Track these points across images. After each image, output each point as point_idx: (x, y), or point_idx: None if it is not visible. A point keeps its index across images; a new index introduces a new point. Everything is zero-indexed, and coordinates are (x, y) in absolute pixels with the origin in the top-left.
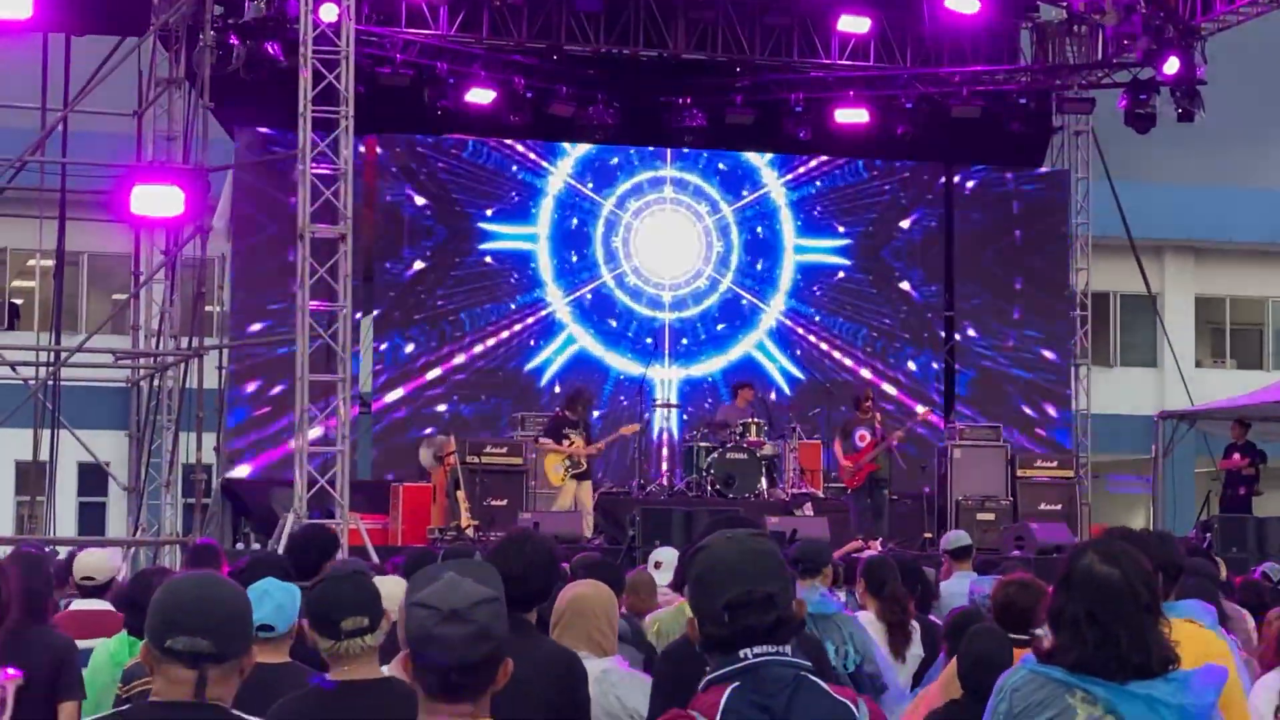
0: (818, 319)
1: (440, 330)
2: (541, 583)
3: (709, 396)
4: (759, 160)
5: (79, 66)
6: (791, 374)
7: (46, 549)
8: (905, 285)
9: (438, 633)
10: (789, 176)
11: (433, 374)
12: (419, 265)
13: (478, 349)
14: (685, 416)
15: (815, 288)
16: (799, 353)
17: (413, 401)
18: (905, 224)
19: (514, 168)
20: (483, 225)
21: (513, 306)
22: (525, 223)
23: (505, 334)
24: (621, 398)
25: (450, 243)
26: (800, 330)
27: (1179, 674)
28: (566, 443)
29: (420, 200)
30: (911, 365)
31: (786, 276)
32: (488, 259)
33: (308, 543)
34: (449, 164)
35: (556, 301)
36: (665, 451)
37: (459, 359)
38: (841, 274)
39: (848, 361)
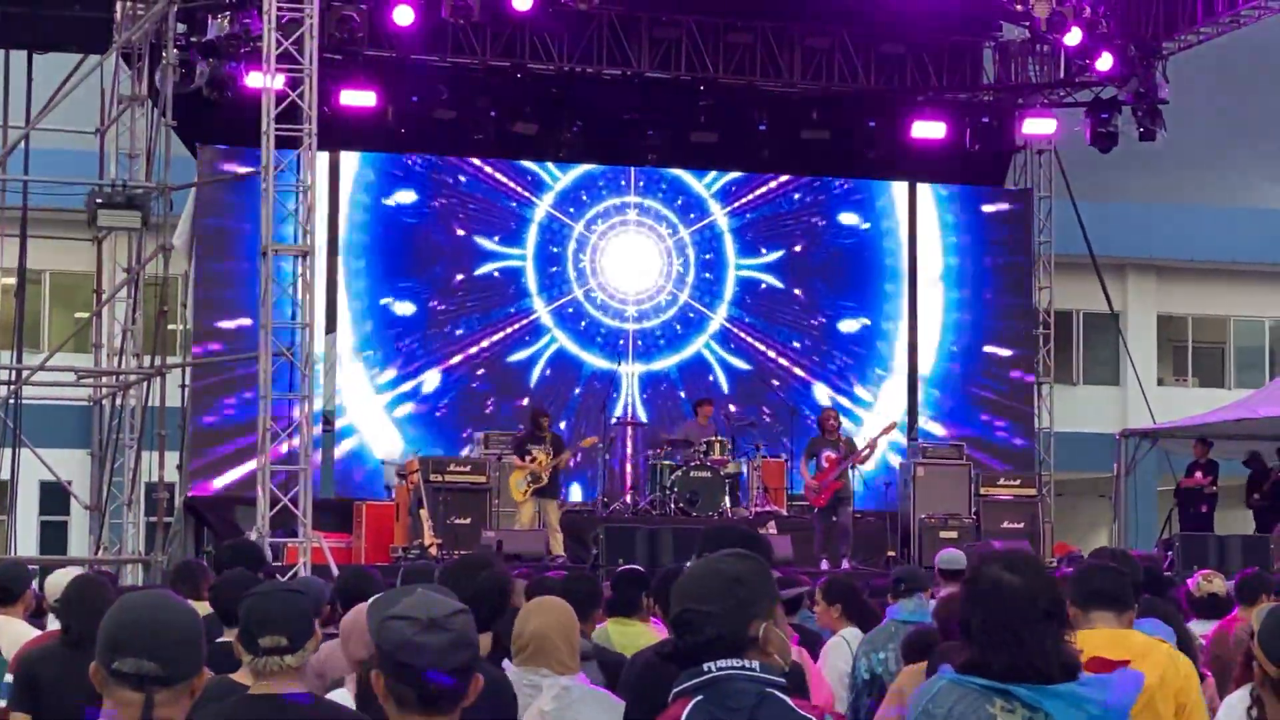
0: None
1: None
2: (489, 611)
3: (667, 398)
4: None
5: (41, 84)
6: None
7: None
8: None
9: (419, 641)
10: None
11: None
12: (383, 281)
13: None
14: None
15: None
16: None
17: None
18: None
19: (481, 188)
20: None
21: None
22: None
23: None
24: (596, 382)
25: (422, 256)
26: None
27: (1098, 676)
28: (529, 459)
29: (384, 216)
30: (874, 384)
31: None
32: (459, 276)
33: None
34: (412, 182)
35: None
36: (629, 470)
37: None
38: (786, 288)
39: (783, 361)
